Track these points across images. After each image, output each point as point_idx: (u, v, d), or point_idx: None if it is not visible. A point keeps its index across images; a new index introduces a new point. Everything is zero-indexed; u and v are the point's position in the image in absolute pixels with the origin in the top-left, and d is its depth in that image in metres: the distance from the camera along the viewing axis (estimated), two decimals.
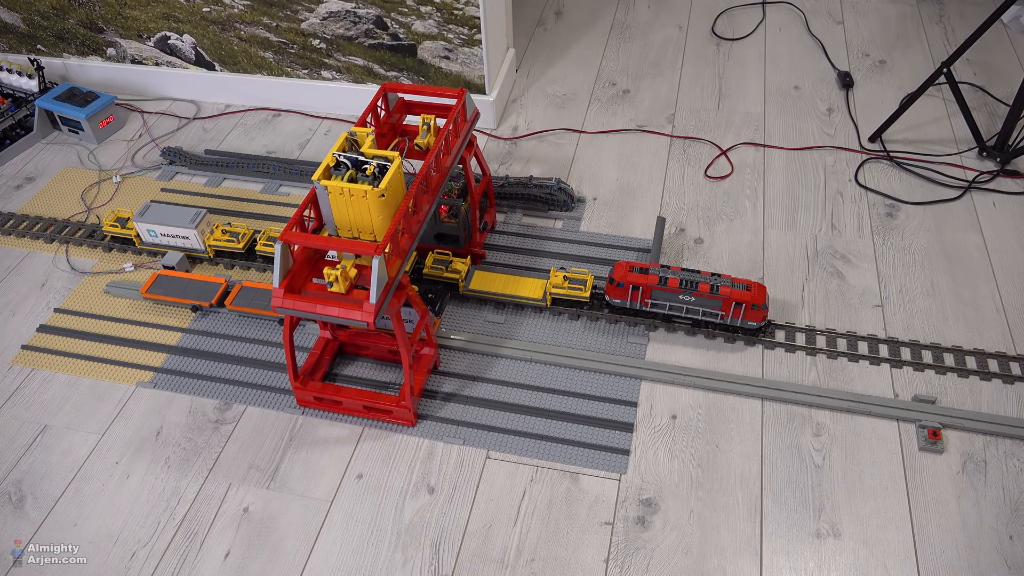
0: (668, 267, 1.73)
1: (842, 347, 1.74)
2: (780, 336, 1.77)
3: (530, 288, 1.83)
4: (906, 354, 1.72)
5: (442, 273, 1.83)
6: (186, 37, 2.41)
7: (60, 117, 2.38)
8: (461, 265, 1.84)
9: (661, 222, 1.94)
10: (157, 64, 2.50)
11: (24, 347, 1.82)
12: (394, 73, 2.34)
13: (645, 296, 1.73)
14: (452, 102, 1.76)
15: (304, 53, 2.36)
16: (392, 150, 1.66)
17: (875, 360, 1.71)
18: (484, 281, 1.84)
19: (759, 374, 1.70)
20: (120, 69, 2.52)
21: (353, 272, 1.47)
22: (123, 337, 1.83)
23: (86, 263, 2.02)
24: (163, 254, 1.98)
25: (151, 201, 2.03)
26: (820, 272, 1.91)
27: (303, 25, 2.30)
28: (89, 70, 2.55)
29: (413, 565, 1.44)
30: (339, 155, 1.48)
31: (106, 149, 2.37)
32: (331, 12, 2.25)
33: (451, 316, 1.83)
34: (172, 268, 1.91)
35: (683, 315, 1.74)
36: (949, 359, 1.72)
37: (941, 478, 1.52)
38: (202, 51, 2.43)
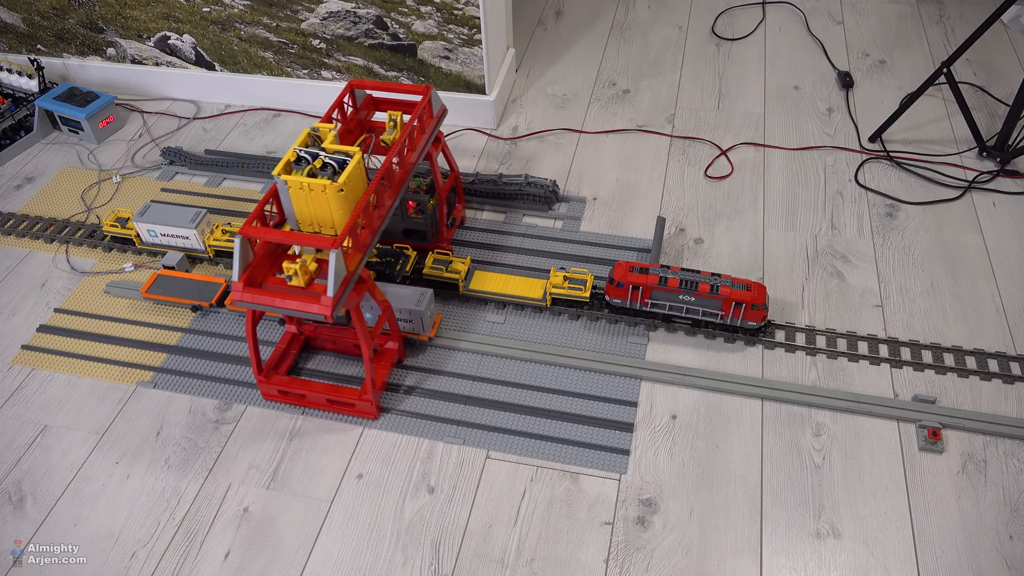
0: (668, 267, 1.73)
1: (842, 347, 1.74)
2: (780, 336, 1.77)
3: (530, 288, 1.83)
4: (906, 354, 1.72)
5: (442, 273, 1.83)
6: (186, 37, 2.41)
7: (60, 117, 2.38)
8: (461, 265, 1.84)
9: (661, 222, 1.94)
10: (157, 64, 2.50)
11: (24, 347, 1.82)
12: (394, 73, 2.34)
13: (645, 296, 1.73)
14: (419, 99, 1.76)
15: (304, 53, 2.36)
16: (358, 146, 1.66)
17: (875, 360, 1.71)
18: (484, 281, 1.85)
19: (759, 374, 1.71)
20: (120, 69, 2.52)
21: (313, 266, 1.49)
22: (123, 337, 1.83)
23: (86, 263, 2.02)
24: (163, 254, 1.98)
25: (151, 201, 2.03)
26: (820, 272, 1.91)
27: (303, 25, 2.30)
28: (89, 70, 2.55)
29: (413, 565, 1.44)
30: (300, 150, 1.49)
31: (106, 149, 2.37)
32: (331, 12, 2.25)
33: (451, 316, 1.84)
34: (172, 268, 1.91)
35: (683, 315, 1.74)
36: (949, 359, 1.72)
37: (941, 478, 1.52)
38: (202, 51, 2.43)
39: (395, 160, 1.61)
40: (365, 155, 1.68)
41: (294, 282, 1.46)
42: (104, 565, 1.46)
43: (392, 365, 1.71)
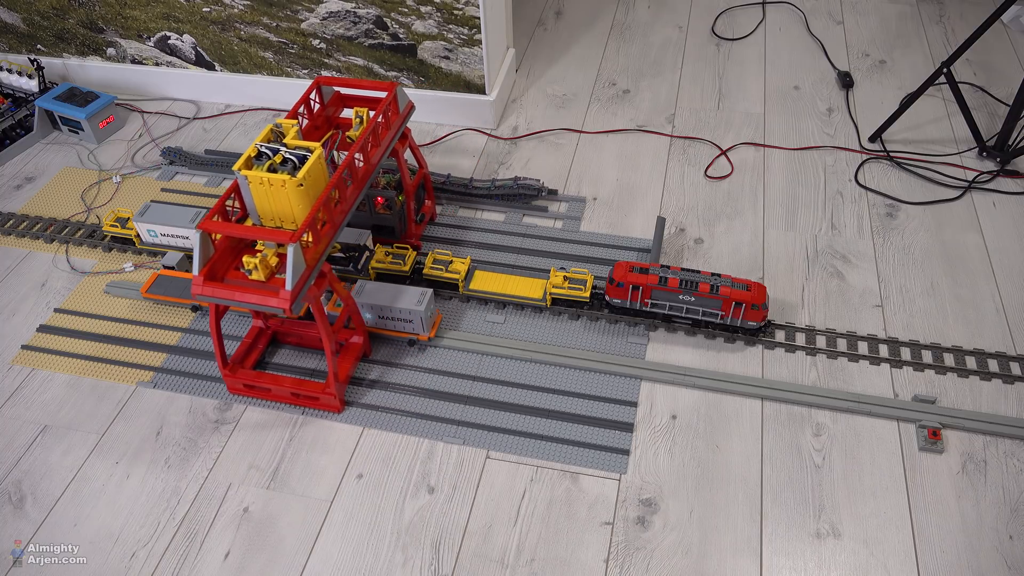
0: (668, 267, 1.73)
1: (842, 347, 1.74)
2: (780, 336, 1.77)
3: (530, 288, 1.83)
4: (906, 354, 1.72)
5: (442, 273, 1.83)
6: (186, 37, 2.41)
7: (60, 117, 2.38)
8: (461, 265, 1.84)
9: (661, 222, 1.94)
10: (157, 64, 2.50)
11: (24, 347, 1.82)
12: (394, 73, 2.34)
13: (645, 296, 1.73)
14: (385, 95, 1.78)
15: (304, 53, 2.36)
16: (325, 142, 1.68)
17: (875, 360, 1.71)
18: (484, 281, 1.85)
19: (759, 374, 1.70)
20: (120, 69, 2.52)
21: (274, 261, 1.50)
22: (123, 337, 1.83)
23: (86, 263, 2.02)
24: (163, 254, 1.98)
25: (151, 201, 2.03)
26: (820, 272, 1.91)
27: (303, 25, 2.30)
28: (89, 70, 2.55)
29: (413, 565, 1.44)
30: (261, 146, 1.51)
31: (106, 149, 2.37)
32: (331, 12, 2.25)
33: (451, 316, 1.84)
34: (172, 268, 1.91)
35: (683, 315, 1.74)
36: (949, 359, 1.72)
37: (941, 478, 1.52)
38: (202, 51, 2.43)
39: (358, 156, 1.62)
40: (333, 151, 1.69)
41: (254, 276, 1.48)
42: (104, 565, 1.46)
43: (357, 359, 1.72)
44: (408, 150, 1.88)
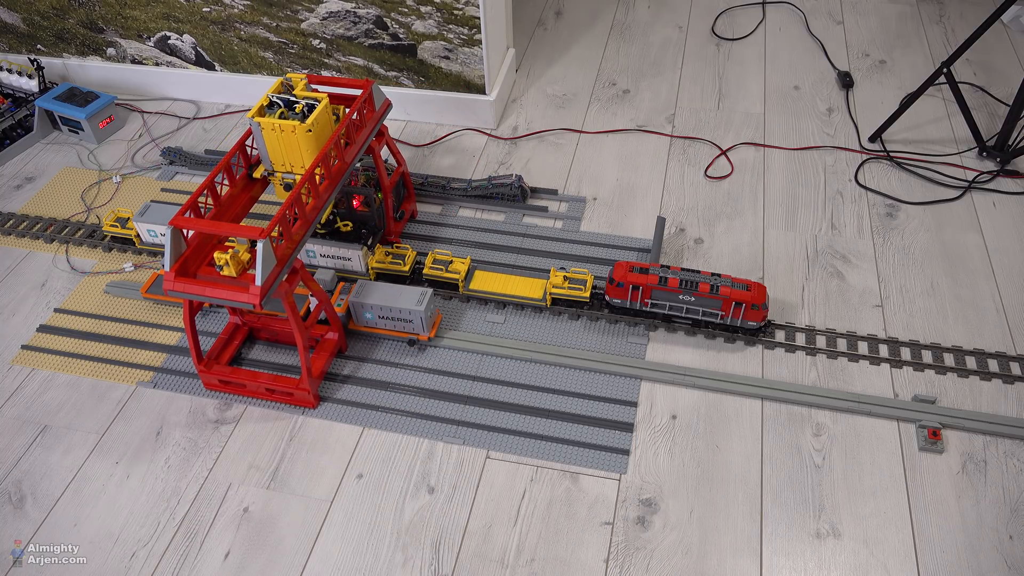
0: (668, 267, 1.73)
1: (842, 347, 1.74)
2: (780, 336, 1.77)
3: (530, 288, 1.83)
4: (906, 354, 1.72)
5: (442, 273, 1.83)
6: (186, 37, 2.41)
7: (60, 117, 2.38)
8: (461, 265, 1.84)
9: (661, 222, 1.94)
10: (157, 64, 2.50)
11: (24, 347, 1.82)
12: (394, 73, 2.34)
13: (645, 296, 1.73)
14: (360, 93, 1.79)
15: (304, 53, 2.36)
16: None
17: (875, 360, 1.71)
18: (484, 281, 1.85)
19: (759, 374, 1.70)
20: (120, 69, 2.52)
21: (246, 256, 1.51)
22: (123, 337, 1.83)
23: (86, 263, 2.02)
24: (163, 254, 1.98)
25: (151, 201, 2.04)
26: (820, 272, 1.91)
27: (303, 25, 2.30)
28: (89, 70, 2.55)
29: (413, 565, 1.44)
30: (273, 96, 1.62)
31: (106, 149, 2.37)
32: (331, 12, 2.25)
33: (451, 316, 1.84)
34: None
35: (683, 315, 1.74)
36: (949, 359, 1.72)
37: (941, 478, 1.52)
38: (202, 51, 2.43)
39: (332, 153, 1.65)
40: None
41: (225, 272, 1.48)
42: (104, 565, 1.46)
43: (332, 355, 1.72)
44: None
